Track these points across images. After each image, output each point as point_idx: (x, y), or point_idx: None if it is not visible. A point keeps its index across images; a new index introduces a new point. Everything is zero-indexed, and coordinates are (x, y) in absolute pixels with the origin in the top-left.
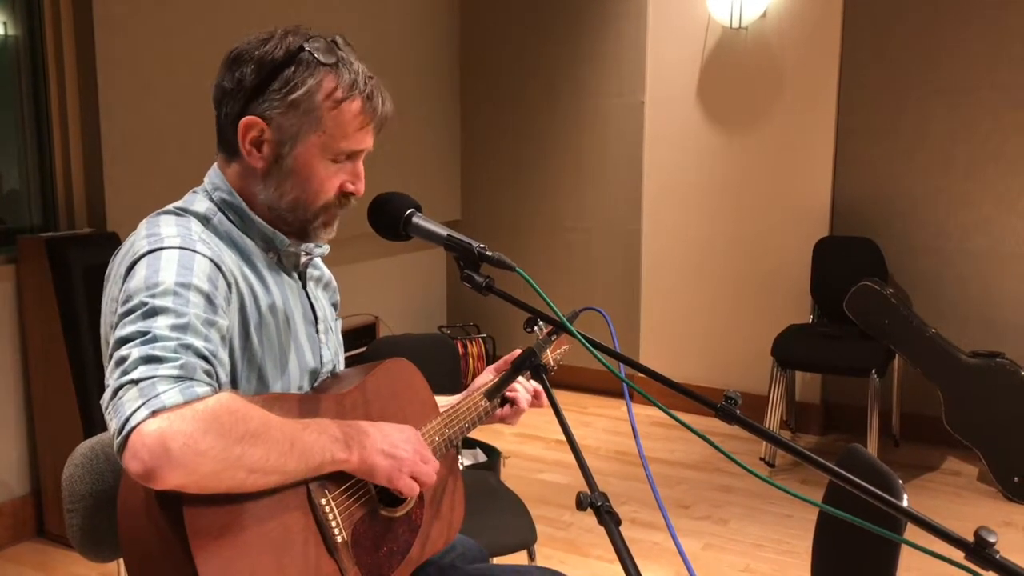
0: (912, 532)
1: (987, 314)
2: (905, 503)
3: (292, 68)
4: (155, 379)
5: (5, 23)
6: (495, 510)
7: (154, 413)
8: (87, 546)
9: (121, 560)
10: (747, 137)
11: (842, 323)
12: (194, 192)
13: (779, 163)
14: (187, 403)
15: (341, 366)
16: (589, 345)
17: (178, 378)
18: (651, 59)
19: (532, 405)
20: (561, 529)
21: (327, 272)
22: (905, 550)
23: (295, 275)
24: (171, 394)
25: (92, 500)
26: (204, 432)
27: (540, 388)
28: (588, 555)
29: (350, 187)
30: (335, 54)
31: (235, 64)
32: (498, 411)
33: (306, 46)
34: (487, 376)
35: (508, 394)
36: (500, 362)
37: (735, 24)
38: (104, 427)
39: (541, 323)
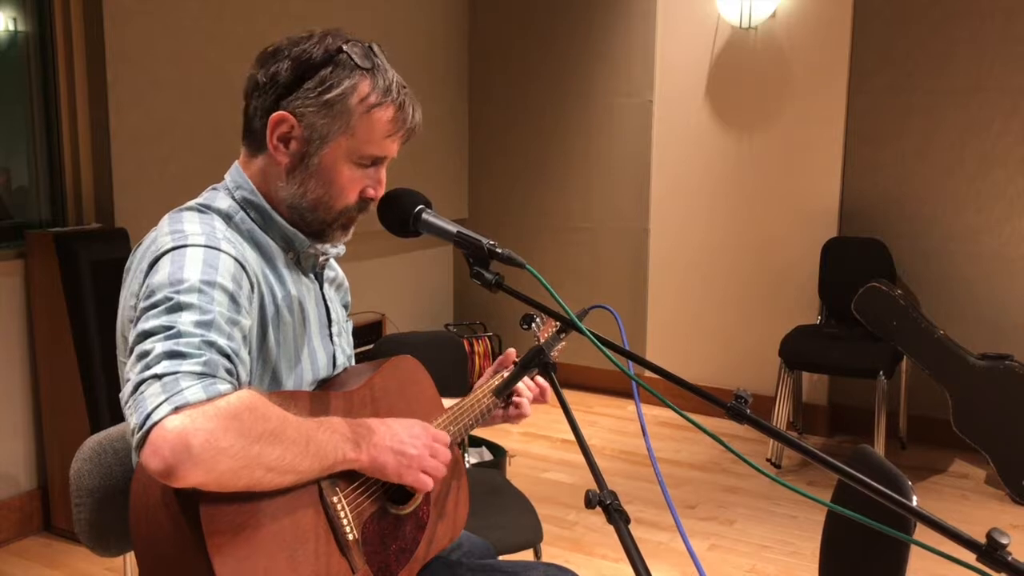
0: (921, 534)
1: (996, 316)
2: (915, 504)
3: (329, 68)
4: (178, 375)
5: (15, 19)
6: (501, 509)
7: (176, 409)
8: (95, 540)
9: (128, 555)
10: (756, 137)
11: (850, 324)
12: (214, 189)
13: (788, 163)
14: (209, 400)
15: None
16: (599, 343)
17: (201, 375)
18: (660, 58)
19: (537, 401)
20: (566, 528)
21: (340, 272)
22: (914, 552)
23: (312, 276)
24: (194, 390)
25: (100, 495)
26: (225, 430)
27: (546, 385)
28: (593, 554)
29: (370, 192)
30: (371, 60)
31: (271, 59)
32: (500, 412)
33: (344, 47)
34: (486, 377)
35: (514, 399)
36: (496, 363)
37: (745, 24)
38: (111, 421)
39: (538, 320)
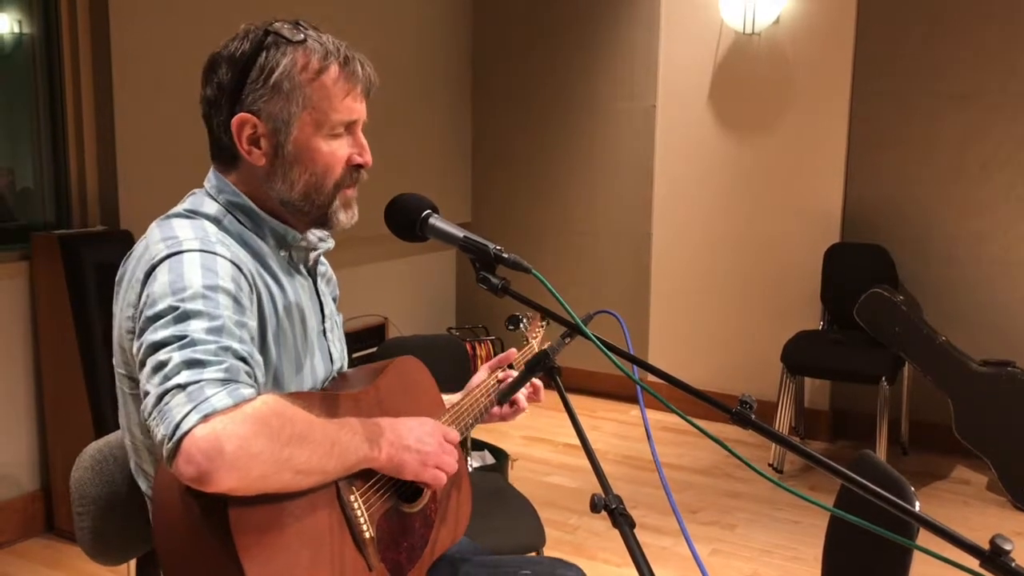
0: (924, 540)
1: (998, 322)
2: (918, 509)
3: (264, 54)
4: (202, 383)
5: (20, 21)
6: (504, 512)
7: (205, 417)
8: (97, 549)
9: (131, 562)
10: (758, 142)
11: (852, 330)
12: (195, 194)
13: (790, 169)
14: (236, 406)
15: (346, 362)
16: (605, 348)
17: (224, 381)
18: (663, 63)
19: (531, 399)
20: (568, 532)
21: (328, 267)
22: (916, 557)
23: (305, 272)
24: (220, 397)
25: (103, 502)
26: (256, 435)
27: (539, 383)
28: (595, 558)
29: (357, 159)
30: (302, 32)
31: (210, 71)
32: (497, 410)
33: (270, 29)
34: (482, 375)
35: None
36: (494, 361)
37: (748, 30)
38: (114, 423)
39: (524, 320)
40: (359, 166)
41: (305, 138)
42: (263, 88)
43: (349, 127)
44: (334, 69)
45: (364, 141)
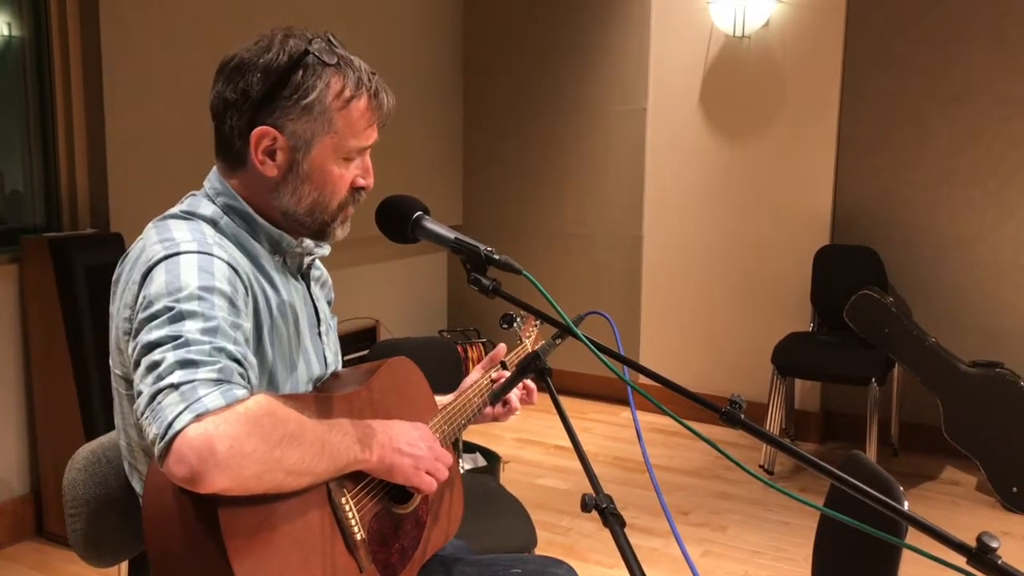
0: (913, 539)
1: (987, 324)
2: (906, 509)
3: (300, 73)
4: (195, 383)
5: (10, 24)
6: (496, 514)
7: (198, 417)
8: (90, 551)
9: (123, 564)
10: (749, 145)
11: (842, 331)
12: (194, 195)
13: (780, 171)
14: (229, 406)
15: (340, 365)
16: (596, 349)
17: (217, 381)
18: (654, 66)
19: (524, 401)
20: (560, 534)
21: (324, 271)
22: (906, 556)
23: (299, 277)
24: (213, 397)
25: (95, 505)
26: (248, 435)
27: (532, 386)
28: (587, 560)
29: (361, 182)
30: (336, 53)
31: (236, 74)
32: (489, 410)
33: (309, 48)
34: (475, 375)
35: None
36: (485, 360)
37: (738, 33)
38: (104, 426)
39: (519, 319)
40: (361, 188)
41: (321, 160)
42: (293, 107)
43: (360, 152)
44: (364, 100)
45: (370, 164)
